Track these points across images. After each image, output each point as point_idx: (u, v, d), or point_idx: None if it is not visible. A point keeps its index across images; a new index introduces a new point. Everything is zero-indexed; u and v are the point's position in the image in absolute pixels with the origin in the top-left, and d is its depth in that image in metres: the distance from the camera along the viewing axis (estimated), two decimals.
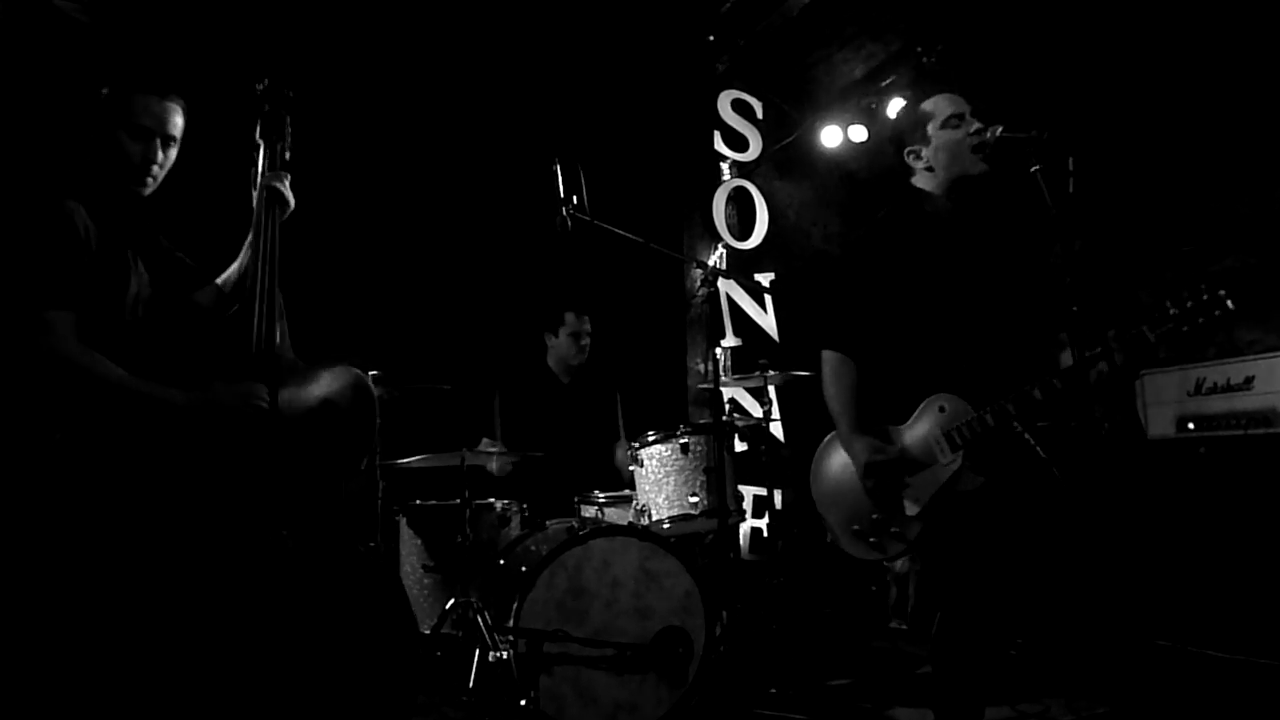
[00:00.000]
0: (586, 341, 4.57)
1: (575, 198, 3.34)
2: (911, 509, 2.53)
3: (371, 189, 5.14)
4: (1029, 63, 4.84)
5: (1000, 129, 2.51)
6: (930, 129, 2.66)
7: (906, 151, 2.72)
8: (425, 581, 3.90)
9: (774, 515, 5.00)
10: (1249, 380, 3.89)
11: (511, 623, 3.09)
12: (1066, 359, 2.41)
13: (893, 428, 2.62)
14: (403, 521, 4.00)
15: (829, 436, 2.76)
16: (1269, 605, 3.59)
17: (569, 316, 4.56)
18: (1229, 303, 2.25)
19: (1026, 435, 2.47)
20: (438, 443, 3.79)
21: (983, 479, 2.49)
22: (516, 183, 4.74)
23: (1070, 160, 2.41)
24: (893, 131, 2.82)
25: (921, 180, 2.72)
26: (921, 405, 2.58)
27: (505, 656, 3.11)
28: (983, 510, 2.50)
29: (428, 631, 3.67)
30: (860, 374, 2.66)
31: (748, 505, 5.44)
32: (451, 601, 3.52)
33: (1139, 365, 2.36)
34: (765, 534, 5.40)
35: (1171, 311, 2.31)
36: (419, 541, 3.95)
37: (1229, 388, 3.96)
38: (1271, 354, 3.88)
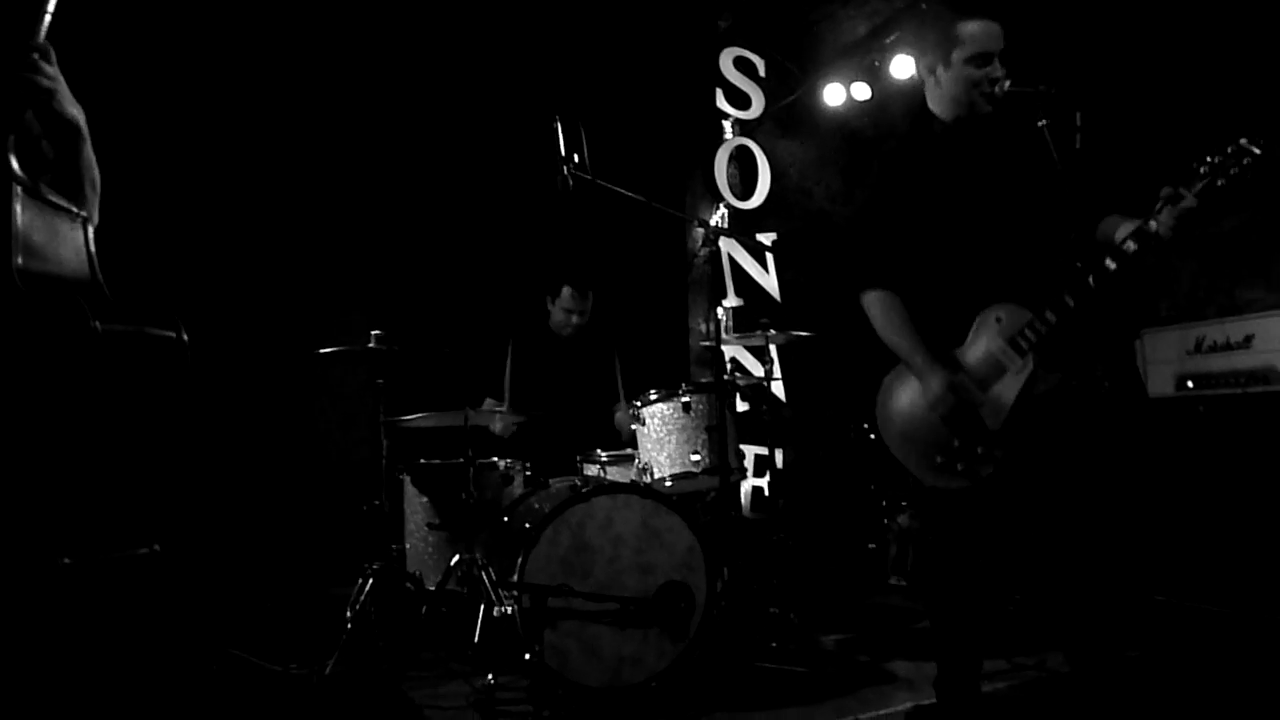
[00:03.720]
0: (579, 320, 4.55)
1: (576, 156, 3.32)
2: (994, 422, 2.49)
3: (376, 149, 5.13)
4: (1037, 16, 4.79)
5: (1007, 83, 2.49)
6: (955, 55, 2.56)
7: (923, 63, 2.64)
8: (430, 539, 3.94)
9: (775, 474, 5.03)
10: (1248, 339, 3.90)
11: (516, 578, 3.12)
12: (1121, 230, 2.40)
13: (955, 351, 2.58)
14: (407, 480, 4.03)
15: (888, 378, 2.69)
16: (1265, 561, 3.63)
17: (566, 291, 4.52)
18: (1255, 149, 2.25)
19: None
20: (441, 402, 3.81)
21: (1059, 375, 2.47)
22: (519, 140, 4.71)
23: (1077, 115, 2.40)
24: (917, 37, 2.69)
25: (932, 98, 2.66)
26: (976, 322, 2.55)
27: (510, 612, 3.15)
28: (1061, 407, 2.48)
29: (433, 588, 3.72)
30: (907, 306, 2.62)
31: (749, 464, 5.47)
32: (456, 558, 3.56)
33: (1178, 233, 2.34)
34: (766, 493, 5.45)
35: (1202, 170, 2.30)
36: (424, 500, 3.98)
37: (1228, 346, 3.97)
38: (1271, 312, 3.89)
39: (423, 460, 4.01)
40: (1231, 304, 4.47)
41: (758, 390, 4.71)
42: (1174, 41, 4.43)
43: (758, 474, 5.54)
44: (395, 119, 5.13)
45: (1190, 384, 4.10)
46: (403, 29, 5.13)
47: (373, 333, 3.72)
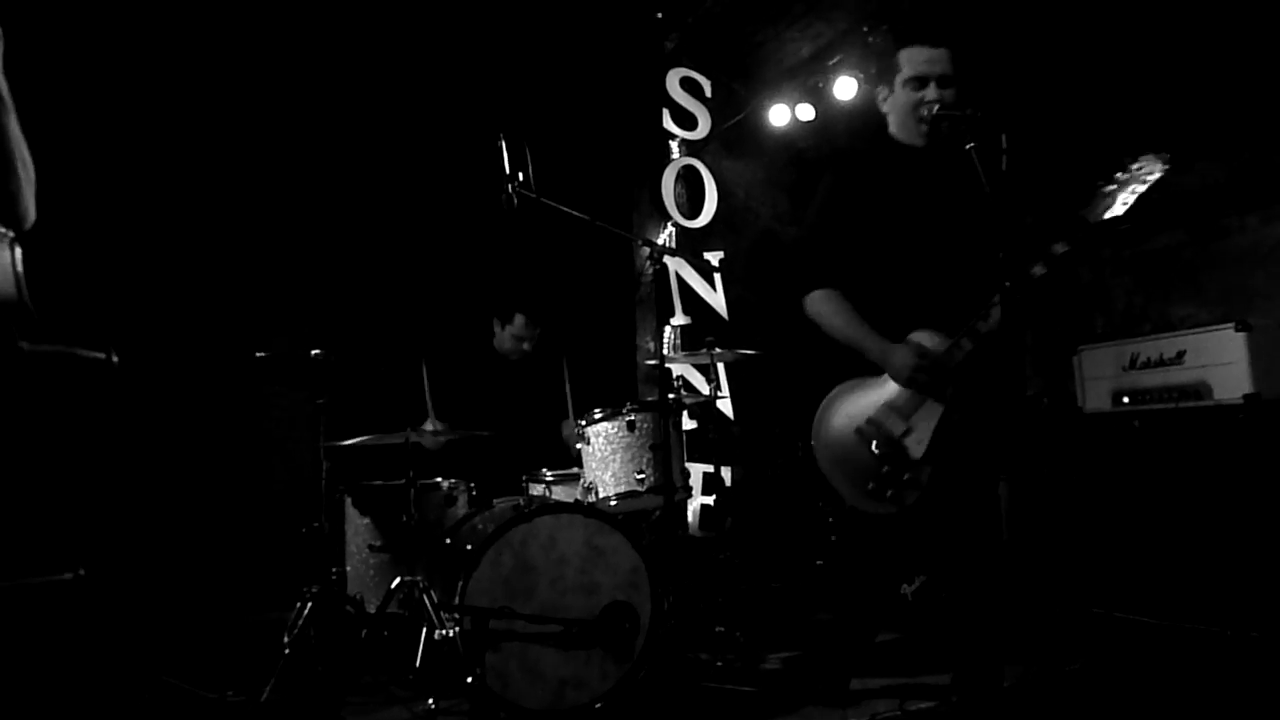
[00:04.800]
0: (528, 347, 4.58)
1: (521, 174, 3.32)
2: (917, 451, 2.47)
3: (317, 170, 5.07)
4: (976, 42, 4.90)
5: (936, 106, 2.55)
6: (896, 80, 2.65)
7: (877, 89, 2.74)
8: (371, 562, 3.87)
9: (723, 492, 5.03)
10: (1181, 355, 4.00)
11: (457, 601, 3.08)
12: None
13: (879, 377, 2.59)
14: (348, 502, 3.96)
15: (827, 399, 2.68)
16: (1197, 573, 3.70)
17: (520, 319, 4.54)
18: (1159, 163, 2.36)
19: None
20: (382, 422, 3.76)
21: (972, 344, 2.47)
22: (464, 158, 4.70)
23: (1003, 137, 2.45)
24: (865, 67, 2.85)
25: (890, 121, 2.73)
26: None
27: (451, 635, 3.10)
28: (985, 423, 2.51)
29: (374, 611, 3.66)
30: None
31: (697, 482, 5.47)
32: (398, 581, 3.50)
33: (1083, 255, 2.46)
34: (714, 511, 5.45)
35: (1107, 189, 2.40)
36: (365, 521, 3.92)
37: (1162, 362, 4.06)
38: (1202, 329, 3.99)
39: (364, 481, 3.95)
40: (1165, 321, 4.59)
41: (705, 408, 4.72)
42: (1095, 64, 4.56)
43: (706, 492, 5.54)
44: (339, 137, 5.09)
45: (1126, 399, 4.19)
46: (346, 45, 5.09)
47: (313, 352, 3.66)
